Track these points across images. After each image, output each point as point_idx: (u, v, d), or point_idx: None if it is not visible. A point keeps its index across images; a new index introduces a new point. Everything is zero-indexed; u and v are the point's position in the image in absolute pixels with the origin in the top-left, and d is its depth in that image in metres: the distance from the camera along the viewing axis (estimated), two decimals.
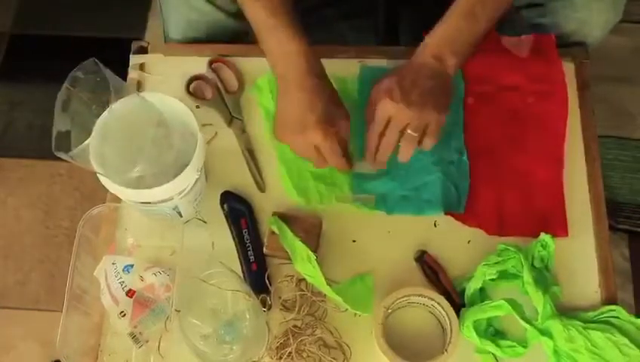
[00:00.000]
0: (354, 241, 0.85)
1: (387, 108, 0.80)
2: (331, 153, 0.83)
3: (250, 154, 0.89)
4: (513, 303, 0.76)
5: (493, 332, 0.79)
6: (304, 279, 0.80)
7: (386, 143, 0.83)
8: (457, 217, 0.85)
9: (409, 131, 0.81)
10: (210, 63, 0.93)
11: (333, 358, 0.77)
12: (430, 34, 0.84)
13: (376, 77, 0.93)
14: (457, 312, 0.79)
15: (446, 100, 0.83)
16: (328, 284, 0.77)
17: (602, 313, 0.78)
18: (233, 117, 0.91)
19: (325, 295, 0.78)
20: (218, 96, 0.92)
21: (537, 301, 0.76)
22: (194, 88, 0.93)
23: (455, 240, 0.84)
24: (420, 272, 0.82)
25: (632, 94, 1.53)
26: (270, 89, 0.92)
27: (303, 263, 0.78)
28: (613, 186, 1.45)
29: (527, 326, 0.76)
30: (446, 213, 0.85)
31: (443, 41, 0.83)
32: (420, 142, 0.82)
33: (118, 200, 0.80)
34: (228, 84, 0.93)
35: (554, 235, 0.81)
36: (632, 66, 1.56)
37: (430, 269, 0.81)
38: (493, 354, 0.77)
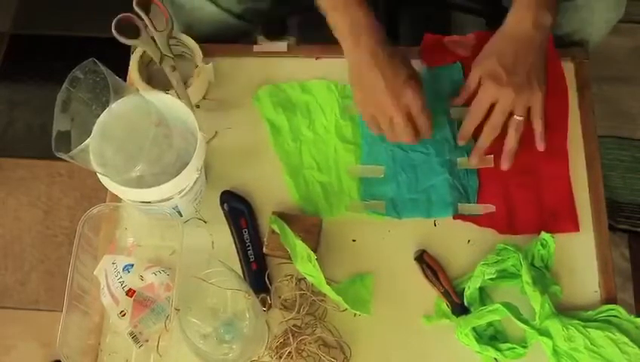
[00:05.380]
0: (354, 241, 0.85)
1: (492, 93, 0.78)
2: (421, 109, 0.80)
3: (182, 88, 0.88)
4: (509, 306, 0.76)
5: (493, 332, 0.79)
6: (304, 278, 0.80)
7: (491, 127, 0.81)
8: (468, 218, 0.85)
9: (516, 116, 0.80)
10: (137, 2, 0.89)
11: (333, 358, 0.77)
12: None
13: None
14: (458, 312, 0.79)
15: (545, 74, 0.81)
16: (328, 284, 0.77)
17: (601, 312, 0.78)
18: (164, 55, 0.89)
19: (325, 294, 0.78)
20: (147, 35, 0.89)
21: (535, 301, 0.76)
22: (123, 28, 0.89)
23: (455, 240, 0.84)
24: (420, 271, 0.82)
25: (632, 94, 1.53)
26: (271, 100, 0.92)
27: (303, 262, 0.78)
28: (613, 186, 1.45)
29: (525, 327, 0.76)
30: (455, 217, 0.85)
31: (537, 1, 0.79)
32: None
33: (118, 199, 0.80)
34: (156, 23, 0.90)
35: (565, 231, 0.82)
36: (632, 66, 1.56)
37: (429, 269, 0.81)
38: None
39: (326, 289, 0.77)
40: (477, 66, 0.83)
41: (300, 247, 0.79)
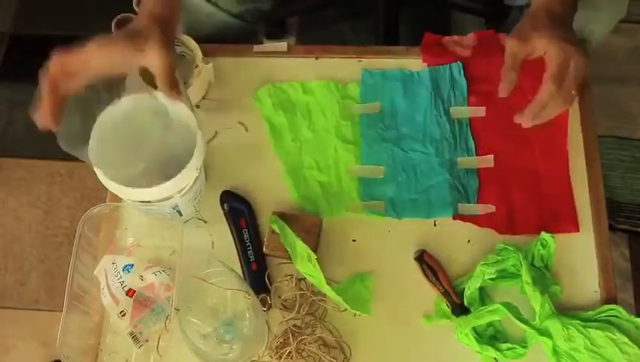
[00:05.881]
0: (354, 241, 0.85)
1: (568, 52, 0.73)
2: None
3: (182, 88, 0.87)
4: (509, 306, 0.76)
5: (494, 332, 0.79)
6: (304, 278, 0.80)
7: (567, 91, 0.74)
8: (467, 218, 0.85)
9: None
10: (138, 2, 0.88)
11: (333, 358, 0.77)
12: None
13: (377, 80, 0.93)
14: (458, 312, 0.79)
15: None
16: (328, 284, 0.77)
17: (601, 312, 0.78)
18: None
19: (325, 294, 0.78)
20: None
21: (535, 301, 0.76)
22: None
23: (455, 240, 0.84)
24: (420, 271, 0.82)
25: (632, 94, 1.53)
26: (272, 100, 0.92)
27: (304, 263, 0.78)
28: (613, 186, 1.45)
29: (525, 327, 0.76)
30: (454, 217, 0.85)
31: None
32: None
33: (118, 199, 0.80)
34: None
35: (565, 231, 0.82)
36: (632, 66, 1.56)
37: (429, 268, 0.81)
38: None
39: (326, 289, 0.77)
40: (529, 27, 0.76)
41: (300, 247, 0.79)
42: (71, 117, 0.69)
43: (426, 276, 0.81)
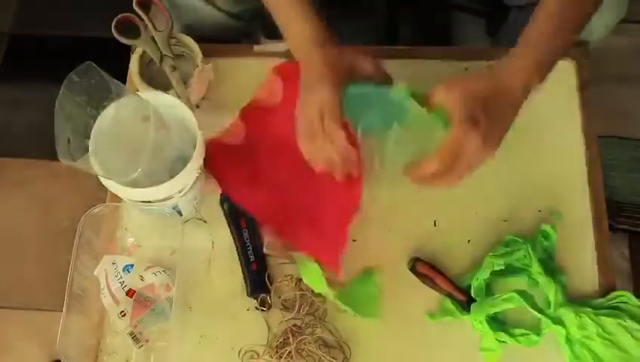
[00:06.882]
0: (354, 241, 0.85)
1: (469, 141, 0.68)
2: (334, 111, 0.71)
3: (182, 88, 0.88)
4: (523, 294, 0.76)
5: (504, 320, 0.80)
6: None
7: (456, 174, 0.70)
8: None
9: None
10: (137, 2, 0.89)
11: (333, 358, 0.77)
12: (522, 50, 0.73)
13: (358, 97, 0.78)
14: (465, 307, 0.79)
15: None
16: (329, 285, 0.77)
17: (611, 299, 0.78)
18: (164, 55, 0.89)
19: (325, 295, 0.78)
20: (147, 35, 0.89)
21: (549, 289, 0.76)
22: (123, 28, 0.89)
23: (455, 240, 0.84)
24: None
25: (632, 94, 1.53)
26: None
27: (308, 273, 0.78)
28: (613, 186, 1.45)
29: (540, 316, 0.76)
30: None
31: (535, 65, 0.72)
32: None
33: (118, 199, 0.80)
34: (157, 23, 0.90)
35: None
36: (632, 66, 1.56)
37: (425, 276, 0.81)
38: (497, 350, 0.77)
39: (330, 295, 0.76)
40: (455, 96, 0.71)
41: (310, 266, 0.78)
42: (62, 134, 0.70)
43: (425, 283, 0.81)
